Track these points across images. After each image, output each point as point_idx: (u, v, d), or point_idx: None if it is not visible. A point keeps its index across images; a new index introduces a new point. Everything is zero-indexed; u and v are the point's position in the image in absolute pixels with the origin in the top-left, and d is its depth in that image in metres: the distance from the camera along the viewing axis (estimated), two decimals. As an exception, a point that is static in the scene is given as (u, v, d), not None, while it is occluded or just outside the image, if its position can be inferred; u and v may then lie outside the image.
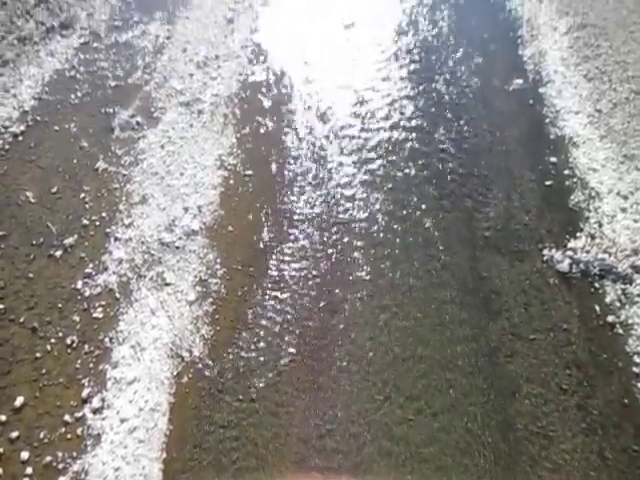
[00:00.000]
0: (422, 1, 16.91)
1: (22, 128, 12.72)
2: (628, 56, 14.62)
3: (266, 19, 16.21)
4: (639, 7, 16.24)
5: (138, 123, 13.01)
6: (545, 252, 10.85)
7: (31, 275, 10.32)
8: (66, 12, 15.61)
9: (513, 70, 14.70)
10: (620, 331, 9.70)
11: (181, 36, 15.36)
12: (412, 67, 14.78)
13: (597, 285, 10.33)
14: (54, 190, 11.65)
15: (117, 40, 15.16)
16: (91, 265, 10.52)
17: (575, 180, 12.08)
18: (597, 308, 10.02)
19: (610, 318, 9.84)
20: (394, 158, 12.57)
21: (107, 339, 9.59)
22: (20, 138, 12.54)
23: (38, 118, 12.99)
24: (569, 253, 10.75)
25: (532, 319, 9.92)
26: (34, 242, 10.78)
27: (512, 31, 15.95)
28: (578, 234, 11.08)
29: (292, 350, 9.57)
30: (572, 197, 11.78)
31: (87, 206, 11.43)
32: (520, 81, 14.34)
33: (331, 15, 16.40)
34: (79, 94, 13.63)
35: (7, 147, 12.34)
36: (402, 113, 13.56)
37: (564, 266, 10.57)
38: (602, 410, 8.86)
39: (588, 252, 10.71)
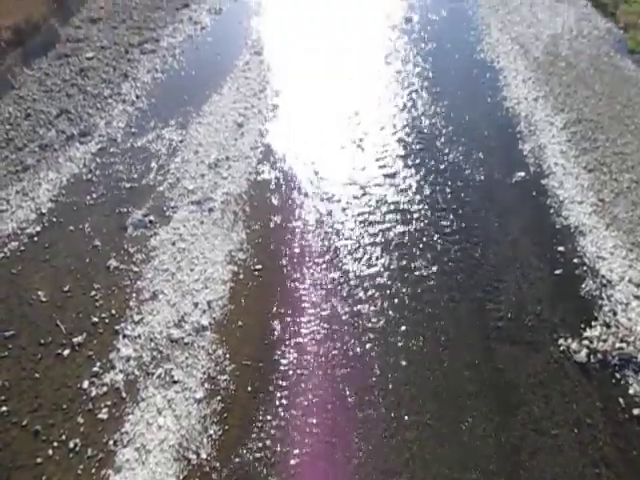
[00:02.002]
0: (421, 97, 17.83)
1: (38, 229, 13.08)
2: (625, 147, 15.13)
3: (274, 122, 17.07)
4: (630, 102, 17.06)
5: (151, 222, 13.36)
6: (561, 342, 10.60)
7: (37, 375, 10.16)
8: (86, 121, 16.56)
9: (514, 163, 15.18)
10: (648, 425, 9.25)
11: (193, 140, 16.13)
12: (416, 161, 15.28)
13: (618, 376, 9.97)
14: (65, 289, 11.75)
15: (133, 145, 15.94)
16: (98, 364, 10.36)
17: (585, 269, 12.06)
18: (621, 401, 9.60)
19: (636, 411, 9.40)
20: (401, 251, 12.69)
21: (111, 442, 9.23)
22: (36, 239, 12.86)
23: (54, 219, 13.39)
24: (585, 343, 10.50)
25: (553, 413, 9.50)
26: (42, 341, 10.72)
27: (511, 127, 16.66)
28: (593, 323, 10.88)
29: (304, 450, 9.14)
30: (583, 285, 11.70)
31: (97, 304, 11.46)
32: (522, 174, 14.75)
33: (336, 113, 17.25)
34: (94, 195, 14.13)
35: (22, 248, 12.64)
36: (407, 207, 13.86)
37: (582, 356, 10.28)
38: (638, 513, 8.25)
39: (605, 341, 10.45)
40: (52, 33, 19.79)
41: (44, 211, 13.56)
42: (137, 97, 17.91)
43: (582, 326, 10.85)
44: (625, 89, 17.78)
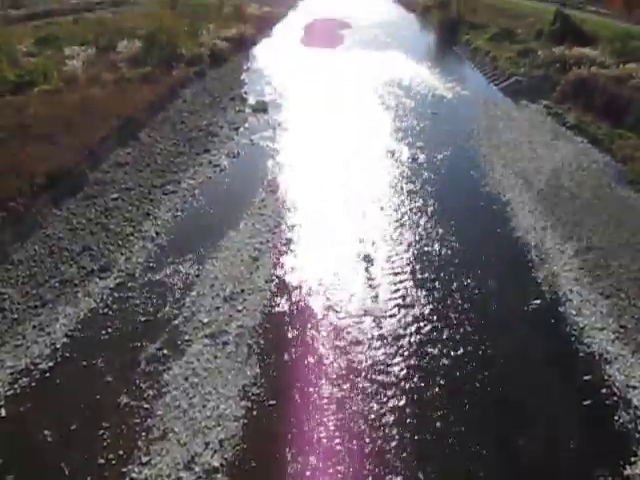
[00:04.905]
0: (429, 230, 18.31)
1: (51, 364, 12.92)
2: (640, 273, 15.18)
3: (288, 256, 17.46)
4: (639, 229, 17.40)
5: (164, 355, 13.19)
6: (601, 482, 9.81)
7: (33, 529, 9.46)
8: (106, 257, 17.06)
9: (528, 292, 15.16)
10: None
11: (210, 274, 16.44)
12: (429, 291, 15.33)
13: (671, 521, 9.09)
14: (73, 428, 11.31)
15: (150, 279, 16.23)
16: (101, 512, 9.67)
17: (615, 399, 11.49)
18: None
19: None
20: (419, 385, 12.28)
21: None
22: (47, 374, 12.65)
23: (67, 355, 13.28)
24: (628, 482, 9.70)
25: None
26: (44, 487, 10.12)
27: (522, 256, 16.89)
28: (633, 459, 10.12)
29: None
30: (616, 417, 11.07)
31: (105, 444, 10.95)
32: (537, 301, 14.66)
33: (345, 251, 17.66)
34: (109, 330, 14.12)
35: (33, 384, 12.39)
36: (422, 337, 13.66)
37: (626, 498, 9.45)
38: None
39: (650, 481, 9.67)
40: (82, 177, 21.12)
41: (58, 346, 13.49)
42: (157, 234, 18.58)
43: (622, 463, 10.09)
44: (631, 217, 18.28)
